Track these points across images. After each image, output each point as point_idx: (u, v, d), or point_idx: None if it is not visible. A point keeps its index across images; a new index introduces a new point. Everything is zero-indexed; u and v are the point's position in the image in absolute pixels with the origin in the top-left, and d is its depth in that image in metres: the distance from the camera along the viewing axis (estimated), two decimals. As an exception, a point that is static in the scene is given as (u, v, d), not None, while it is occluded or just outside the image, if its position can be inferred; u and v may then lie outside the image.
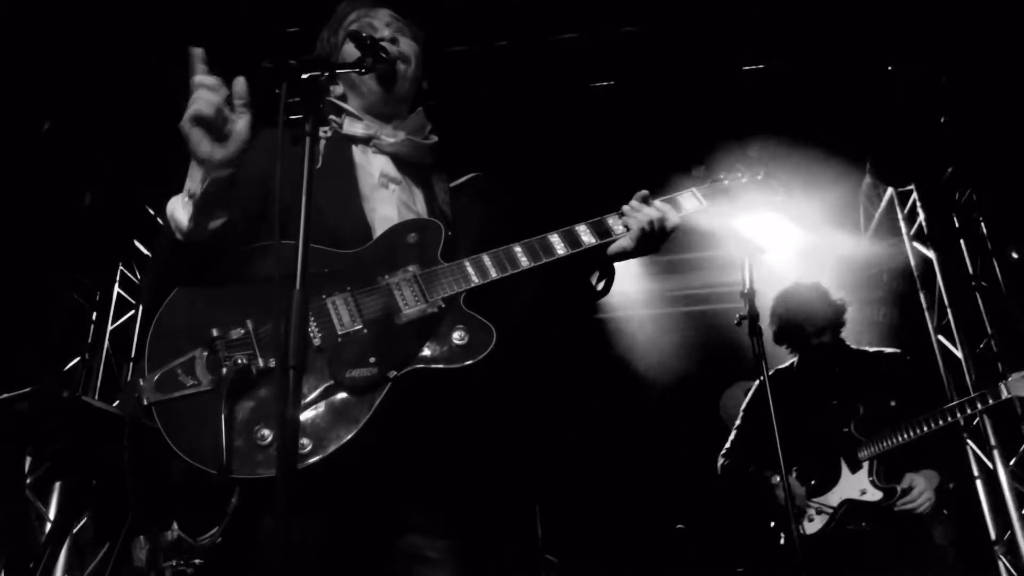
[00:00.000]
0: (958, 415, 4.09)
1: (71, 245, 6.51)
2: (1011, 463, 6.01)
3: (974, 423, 6.23)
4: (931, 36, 5.71)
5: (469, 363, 1.94)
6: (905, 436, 4.15)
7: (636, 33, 5.87)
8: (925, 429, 4.11)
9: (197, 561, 3.46)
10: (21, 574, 2.26)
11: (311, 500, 1.75)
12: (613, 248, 2.29)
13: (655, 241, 2.27)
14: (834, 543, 4.24)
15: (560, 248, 2.19)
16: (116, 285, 7.24)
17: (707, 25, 5.83)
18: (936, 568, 4.04)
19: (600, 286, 2.34)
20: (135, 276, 7.36)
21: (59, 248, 6.34)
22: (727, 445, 4.85)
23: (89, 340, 6.90)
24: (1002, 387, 4.07)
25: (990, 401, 4.08)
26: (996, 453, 6.04)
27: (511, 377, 2.19)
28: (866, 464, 4.26)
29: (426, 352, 1.96)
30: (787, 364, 4.81)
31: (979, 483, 6.26)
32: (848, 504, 4.24)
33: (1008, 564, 5.90)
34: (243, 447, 1.81)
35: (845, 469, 4.31)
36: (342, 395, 1.88)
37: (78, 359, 6.75)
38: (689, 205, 2.43)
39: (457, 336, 1.97)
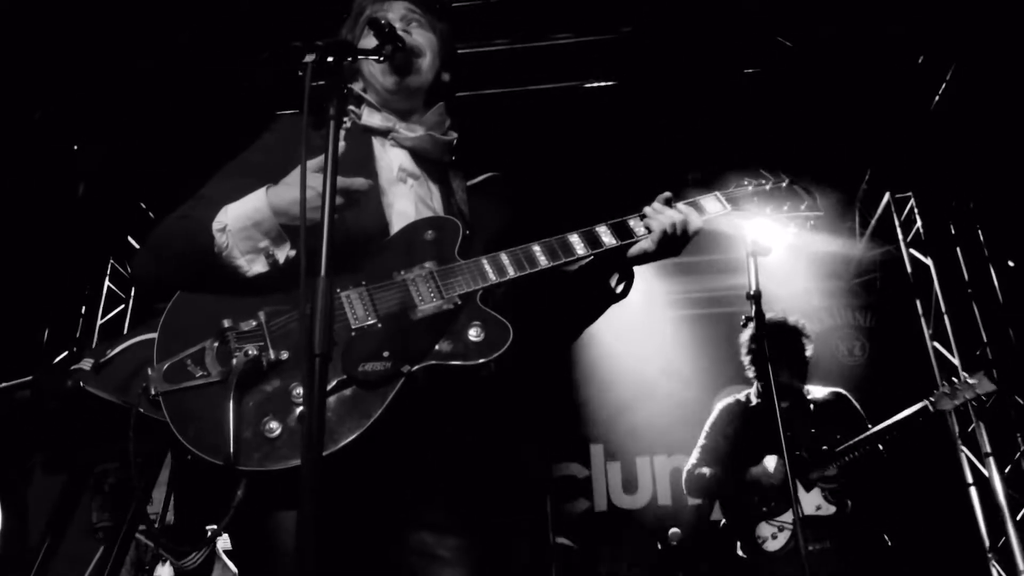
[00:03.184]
0: (895, 433, 4.55)
1: (62, 238, 6.43)
2: (1006, 471, 6.02)
3: (969, 429, 6.25)
4: (933, 40, 5.70)
5: (484, 360, 1.90)
6: (849, 457, 4.57)
7: (633, 35, 5.84)
8: (867, 449, 4.57)
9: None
10: (20, 568, 2.21)
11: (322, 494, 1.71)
12: (633, 250, 2.25)
13: (677, 244, 2.24)
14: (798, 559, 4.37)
15: (580, 248, 2.15)
16: (107, 279, 7.16)
17: (707, 28, 5.81)
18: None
19: (619, 289, 2.30)
20: (126, 271, 7.26)
21: (50, 240, 6.26)
22: (692, 460, 5.09)
23: (78, 334, 6.81)
24: (927, 404, 4.57)
25: (920, 420, 4.56)
26: (991, 461, 6.05)
27: (525, 376, 2.15)
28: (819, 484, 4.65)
29: (441, 348, 1.92)
30: (744, 395, 5.10)
31: (973, 491, 6.28)
32: (805, 520, 4.50)
33: (1002, 572, 5.90)
34: (251, 439, 1.78)
35: (800, 490, 4.62)
36: (355, 389, 1.84)
37: (67, 353, 6.66)
38: (712, 208, 2.38)
39: (473, 333, 1.93)
